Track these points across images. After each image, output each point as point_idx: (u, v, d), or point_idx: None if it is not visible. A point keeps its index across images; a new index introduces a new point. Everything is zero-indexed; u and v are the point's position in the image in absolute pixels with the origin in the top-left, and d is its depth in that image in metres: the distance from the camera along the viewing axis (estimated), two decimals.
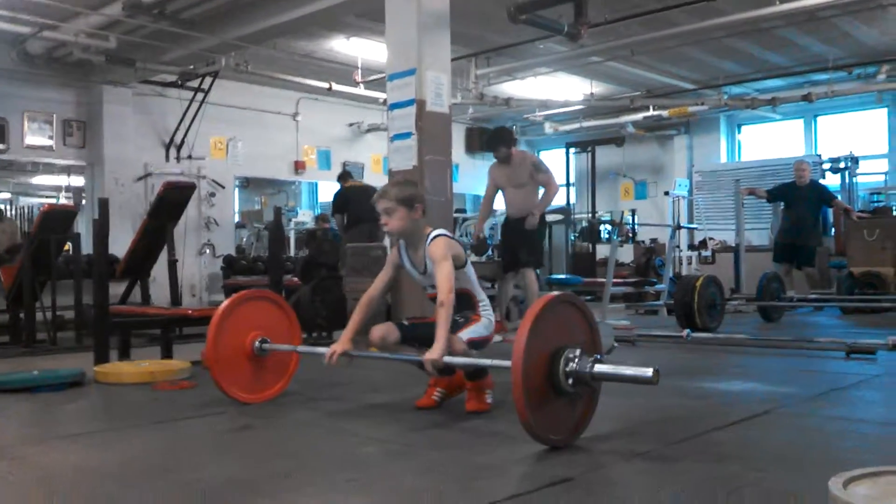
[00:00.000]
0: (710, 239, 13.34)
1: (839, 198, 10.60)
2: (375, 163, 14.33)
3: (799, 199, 9.52)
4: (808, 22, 9.85)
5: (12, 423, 3.73)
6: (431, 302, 3.49)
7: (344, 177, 10.50)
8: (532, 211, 6.99)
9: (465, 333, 3.42)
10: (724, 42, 10.97)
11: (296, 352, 3.96)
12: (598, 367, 2.78)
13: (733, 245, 10.92)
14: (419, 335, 3.47)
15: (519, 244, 7.15)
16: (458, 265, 3.48)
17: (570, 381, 2.76)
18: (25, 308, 7.20)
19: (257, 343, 3.82)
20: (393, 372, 4.55)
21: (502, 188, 7.28)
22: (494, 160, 7.32)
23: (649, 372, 2.69)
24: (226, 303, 3.90)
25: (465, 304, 3.53)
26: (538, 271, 10.26)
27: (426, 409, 3.59)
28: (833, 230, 11.34)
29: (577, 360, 2.76)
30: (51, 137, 10.86)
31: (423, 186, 6.64)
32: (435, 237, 3.49)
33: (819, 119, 14.56)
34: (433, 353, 3.19)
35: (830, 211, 10.02)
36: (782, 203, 10.05)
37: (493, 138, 7.33)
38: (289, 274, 8.56)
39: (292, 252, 14.17)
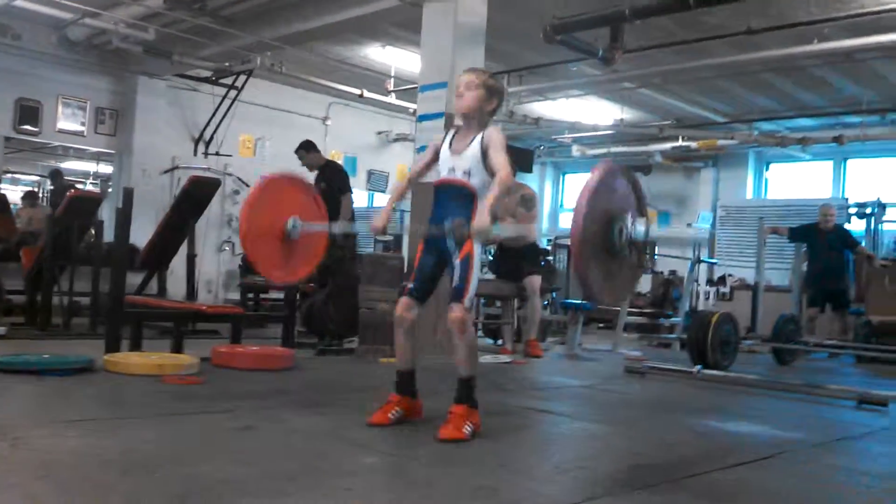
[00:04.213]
0: (730, 275, 13.24)
1: (863, 244, 10.51)
2: (401, 173, 14.35)
3: (823, 244, 9.51)
4: (844, 62, 9.78)
5: (17, 404, 3.76)
6: (440, 188, 3.47)
7: (310, 147, 8.28)
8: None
9: (467, 301, 3.28)
10: (759, 77, 10.91)
11: (326, 232, 4.16)
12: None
13: (752, 283, 10.84)
14: (428, 284, 3.47)
15: (519, 258, 7.45)
16: None
17: (624, 242, 3.18)
18: (43, 291, 7.27)
19: (290, 223, 3.90)
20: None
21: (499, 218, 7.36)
22: None
23: None
24: (262, 181, 4.07)
25: (468, 205, 3.35)
26: (553, 294, 10.25)
27: (378, 426, 3.36)
28: (854, 276, 11.23)
29: (629, 224, 3.21)
30: (83, 123, 10.96)
31: None
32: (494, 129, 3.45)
33: (848, 162, 14.45)
34: (481, 223, 3.14)
35: (852, 257, 9.93)
36: (804, 245, 10.01)
37: None
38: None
39: None
